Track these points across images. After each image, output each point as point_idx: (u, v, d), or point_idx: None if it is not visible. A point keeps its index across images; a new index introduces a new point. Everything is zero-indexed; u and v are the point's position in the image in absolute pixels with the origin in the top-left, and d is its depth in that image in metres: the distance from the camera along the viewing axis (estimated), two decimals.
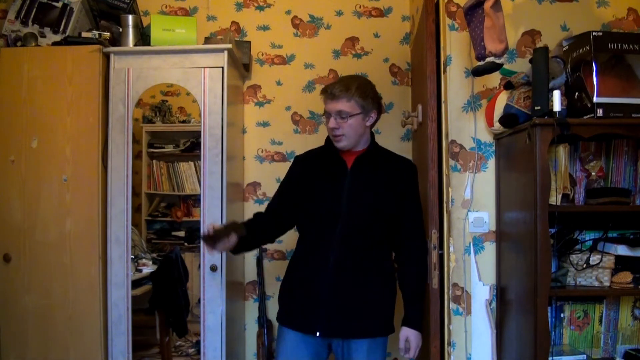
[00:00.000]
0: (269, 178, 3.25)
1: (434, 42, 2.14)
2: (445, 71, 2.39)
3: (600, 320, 2.09)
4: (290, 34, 3.32)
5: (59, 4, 2.78)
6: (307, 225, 2.03)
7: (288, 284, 2.05)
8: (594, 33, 1.90)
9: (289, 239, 2.82)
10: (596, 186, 2.07)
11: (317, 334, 1.92)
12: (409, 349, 1.96)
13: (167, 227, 3.73)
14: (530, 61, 1.97)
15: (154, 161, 3.76)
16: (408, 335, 1.96)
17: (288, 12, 3.32)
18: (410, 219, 2.00)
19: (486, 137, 2.33)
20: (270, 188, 3.21)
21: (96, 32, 2.74)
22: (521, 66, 2.27)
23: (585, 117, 1.90)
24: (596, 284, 2.00)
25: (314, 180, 2.02)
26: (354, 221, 1.93)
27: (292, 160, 2.19)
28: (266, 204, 2.18)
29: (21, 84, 2.70)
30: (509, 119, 2.04)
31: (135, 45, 2.78)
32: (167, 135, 3.79)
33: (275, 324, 2.49)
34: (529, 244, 1.92)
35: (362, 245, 1.94)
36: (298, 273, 2.01)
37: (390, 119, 3.27)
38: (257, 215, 2.10)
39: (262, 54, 3.32)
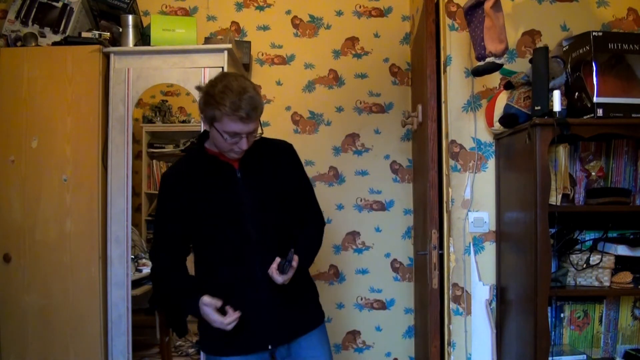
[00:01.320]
0: None
1: (434, 42, 2.14)
2: (445, 71, 2.39)
3: (600, 320, 2.09)
4: (290, 34, 3.32)
5: (59, 4, 2.78)
6: (212, 242, 1.84)
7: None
8: (594, 33, 1.90)
9: None
10: (596, 186, 2.07)
11: (269, 346, 1.83)
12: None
13: None
14: (530, 61, 1.97)
15: (154, 161, 3.76)
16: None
17: (288, 12, 3.33)
18: (304, 197, 1.95)
19: (486, 137, 2.33)
20: None
21: (96, 32, 2.74)
22: (521, 66, 2.27)
23: (585, 117, 1.90)
24: (596, 284, 2.00)
25: (205, 194, 1.82)
26: (263, 219, 1.82)
27: None
28: None
29: (21, 84, 2.69)
30: (509, 119, 2.04)
31: (135, 45, 2.78)
32: (167, 135, 3.79)
33: None
34: (529, 244, 1.92)
35: (277, 240, 1.84)
36: (219, 294, 1.78)
37: (390, 119, 3.27)
38: (177, 274, 1.88)
39: (262, 54, 3.32)
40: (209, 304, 1.75)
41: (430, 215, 2.11)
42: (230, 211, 1.82)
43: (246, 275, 1.81)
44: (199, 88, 1.79)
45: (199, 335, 1.93)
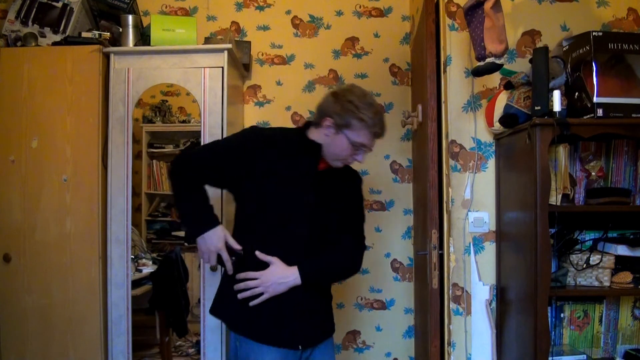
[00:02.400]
0: None
1: (434, 42, 2.14)
2: (445, 71, 2.38)
3: (600, 320, 2.09)
4: (290, 34, 3.32)
5: (59, 4, 2.78)
6: (266, 220, 1.82)
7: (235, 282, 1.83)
8: (594, 33, 1.90)
9: None
10: (596, 186, 2.07)
11: (299, 347, 1.84)
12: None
13: (167, 227, 3.73)
14: (530, 61, 1.97)
15: (154, 161, 3.76)
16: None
17: (288, 12, 3.32)
18: (355, 224, 1.98)
19: (486, 137, 2.33)
20: None
21: (96, 32, 2.74)
22: (521, 66, 2.27)
23: (585, 117, 1.90)
24: (596, 284, 2.00)
25: (281, 172, 1.82)
26: (317, 224, 1.85)
27: None
28: None
29: (21, 84, 2.70)
30: (509, 119, 2.04)
31: (135, 45, 2.78)
32: (167, 135, 3.79)
33: None
34: (529, 244, 1.92)
35: (318, 249, 1.87)
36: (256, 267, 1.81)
37: (390, 119, 3.24)
38: (206, 196, 1.87)
39: (262, 54, 3.32)
40: (225, 235, 1.78)
41: (430, 215, 2.11)
42: (296, 200, 1.83)
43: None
44: (334, 94, 1.83)
45: (231, 316, 1.88)
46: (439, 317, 2.13)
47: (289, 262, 1.81)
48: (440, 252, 2.18)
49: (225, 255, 1.80)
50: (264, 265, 1.80)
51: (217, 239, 1.79)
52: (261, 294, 1.79)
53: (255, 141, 1.85)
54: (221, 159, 1.85)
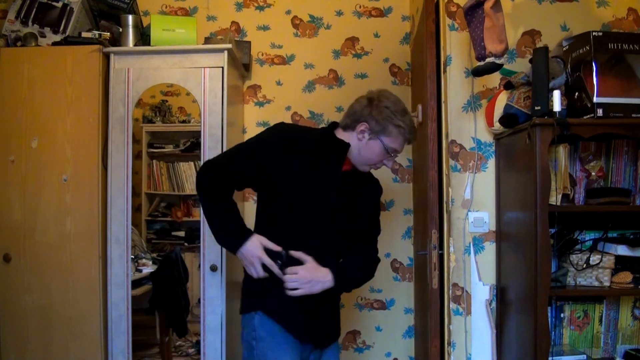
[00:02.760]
0: None
1: (434, 42, 2.14)
2: (445, 71, 2.39)
3: (600, 320, 2.09)
4: (290, 34, 3.32)
5: (59, 4, 2.78)
6: (293, 218, 1.83)
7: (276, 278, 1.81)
8: (594, 33, 1.90)
9: None
10: (596, 186, 2.07)
11: (313, 346, 1.88)
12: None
13: (167, 227, 3.73)
14: (530, 61, 1.97)
15: (154, 161, 3.76)
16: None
17: (288, 12, 3.32)
18: (371, 232, 2.00)
19: (486, 137, 2.33)
20: None
21: (96, 32, 2.74)
22: (521, 66, 2.27)
23: (585, 117, 1.90)
24: (596, 284, 2.00)
25: (308, 171, 1.81)
26: (340, 225, 1.88)
27: None
28: None
29: (21, 84, 2.70)
30: (509, 119, 2.04)
31: (135, 45, 2.78)
32: (167, 135, 3.79)
33: None
34: (529, 244, 1.92)
35: (334, 252, 1.90)
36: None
37: None
38: (235, 208, 1.87)
39: (262, 54, 3.32)
40: (261, 241, 1.77)
41: (430, 215, 2.11)
42: (321, 199, 1.83)
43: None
44: (370, 99, 1.85)
45: (253, 295, 1.87)
46: (439, 317, 2.13)
47: (315, 255, 1.81)
48: (440, 252, 2.18)
49: (269, 261, 1.77)
50: (296, 263, 1.80)
51: (254, 248, 1.77)
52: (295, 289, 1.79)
53: (283, 140, 1.83)
54: (250, 163, 1.82)
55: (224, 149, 2.69)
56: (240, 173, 1.83)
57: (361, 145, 1.84)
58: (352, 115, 1.85)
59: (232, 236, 1.81)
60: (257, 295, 1.86)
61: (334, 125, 1.93)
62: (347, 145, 1.85)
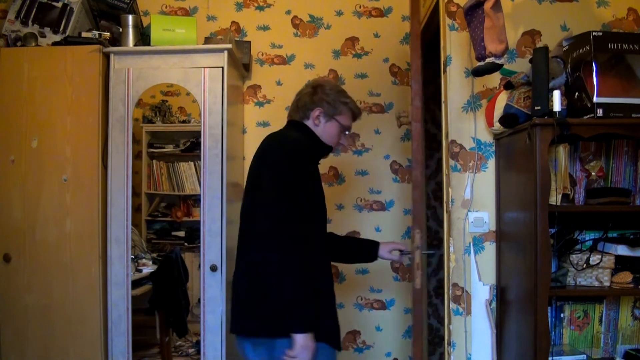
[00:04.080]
0: None
1: (419, 42, 2.12)
2: (445, 71, 2.39)
3: (600, 320, 2.09)
4: (290, 34, 3.32)
5: (59, 4, 2.78)
6: (320, 212, 1.89)
7: (325, 298, 1.82)
8: (594, 33, 1.90)
9: None
10: (596, 186, 2.07)
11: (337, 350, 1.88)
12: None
13: (167, 227, 3.73)
14: (530, 61, 1.96)
15: (154, 161, 3.77)
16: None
17: (288, 12, 3.33)
18: None
19: (486, 137, 2.33)
20: None
21: (96, 32, 2.74)
22: (521, 66, 2.27)
23: (585, 117, 1.90)
24: (596, 284, 1.99)
25: (317, 180, 1.91)
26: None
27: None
28: None
29: (21, 84, 2.70)
30: (509, 119, 2.04)
31: (135, 45, 2.78)
32: (167, 135, 3.79)
33: None
34: (529, 244, 1.92)
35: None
36: (324, 284, 1.85)
37: (390, 119, 3.27)
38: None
39: (262, 54, 3.32)
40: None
41: (413, 215, 2.09)
42: (323, 205, 1.93)
43: (330, 270, 1.96)
44: (314, 87, 1.97)
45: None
46: (421, 317, 2.11)
47: (330, 263, 1.96)
48: (440, 252, 2.17)
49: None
50: (330, 272, 1.93)
51: (307, 345, 1.66)
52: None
53: (303, 156, 1.82)
54: (294, 196, 1.71)
55: (224, 149, 2.69)
56: (299, 212, 1.71)
57: (319, 131, 1.95)
58: (303, 107, 1.95)
59: (309, 319, 1.69)
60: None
61: (290, 123, 1.99)
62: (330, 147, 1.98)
